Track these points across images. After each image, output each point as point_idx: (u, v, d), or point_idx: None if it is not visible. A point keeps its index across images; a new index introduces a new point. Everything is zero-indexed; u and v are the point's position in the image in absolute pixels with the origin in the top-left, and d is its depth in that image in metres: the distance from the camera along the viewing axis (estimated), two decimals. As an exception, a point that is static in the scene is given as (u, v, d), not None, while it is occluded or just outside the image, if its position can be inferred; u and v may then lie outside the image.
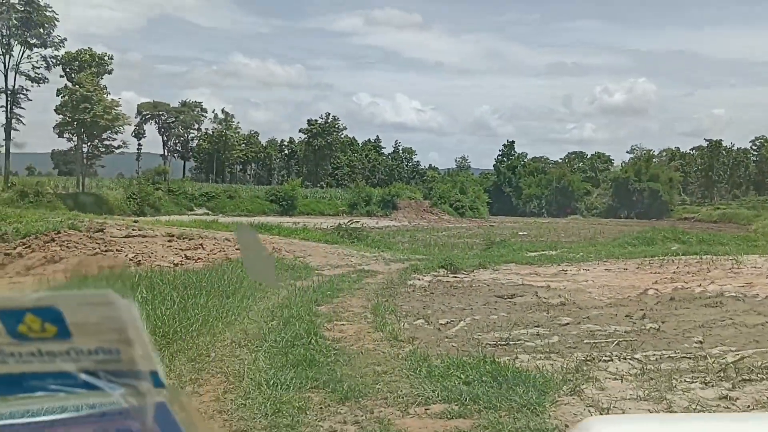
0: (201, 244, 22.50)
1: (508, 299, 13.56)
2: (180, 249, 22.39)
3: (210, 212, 61.37)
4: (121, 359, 0.68)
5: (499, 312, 11.81)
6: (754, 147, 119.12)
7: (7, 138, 61.35)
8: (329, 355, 7.88)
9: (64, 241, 22.81)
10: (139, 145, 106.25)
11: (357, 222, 28.22)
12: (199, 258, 21.24)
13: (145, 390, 0.69)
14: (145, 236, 24.96)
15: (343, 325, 10.14)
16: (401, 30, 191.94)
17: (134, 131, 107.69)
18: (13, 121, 61.04)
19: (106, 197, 56.35)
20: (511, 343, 8.99)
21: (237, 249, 22.21)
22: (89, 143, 55.19)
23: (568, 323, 10.63)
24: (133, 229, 25.97)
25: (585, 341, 9.14)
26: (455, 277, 17.55)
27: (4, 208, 32.06)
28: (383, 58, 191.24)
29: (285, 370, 7.07)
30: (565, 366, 7.37)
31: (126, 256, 21.31)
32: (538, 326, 10.32)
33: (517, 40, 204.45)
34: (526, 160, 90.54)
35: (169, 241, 23.62)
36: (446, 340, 9.33)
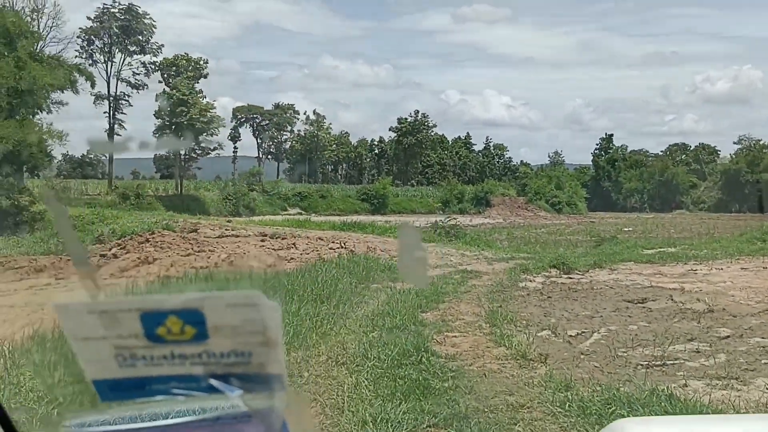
0: (293, 244, 21.53)
1: (640, 304, 11.67)
2: (273, 249, 21.51)
3: (303, 212, 61.20)
4: (251, 362, 0.66)
5: (636, 321, 9.99)
6: None
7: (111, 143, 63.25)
8: (446, 379, 6.38)
9: (157, 242, 22.37)
10: (235, 148, 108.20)
11: (454, 219, 26.64)
12: (292, 258, 20.26)
13: (273, 393, 0.67)
14: (238, 236, 24.30)
15: (455, 337, 8.61)
16: (490, 25, 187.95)
17: (230, 134, 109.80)
18: (116, 126, 62.75)
19: (203, 198, 57.02)
20: (668, 363, 7.22)
21: (330, 248, 21.11)
22: (186, 146, 55.92)
23: (728, 336, 8.71)
24: (226, 229, 25.41)
25: (764, 361, 7.25)
26: (570, 277, 15.69)
27: (104, 210, 32.42)
28: (472, 54, 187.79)
29: (394, 400, 5.61)
30: (761, 399, 5.57)
31: (219, 256, 20.58)
32: (691, 340, 8.46)
33: (612, 30, 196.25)
34: (626, 152, 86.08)
35: (261, 240, 22.82)
36: (583, 357, 7.65)
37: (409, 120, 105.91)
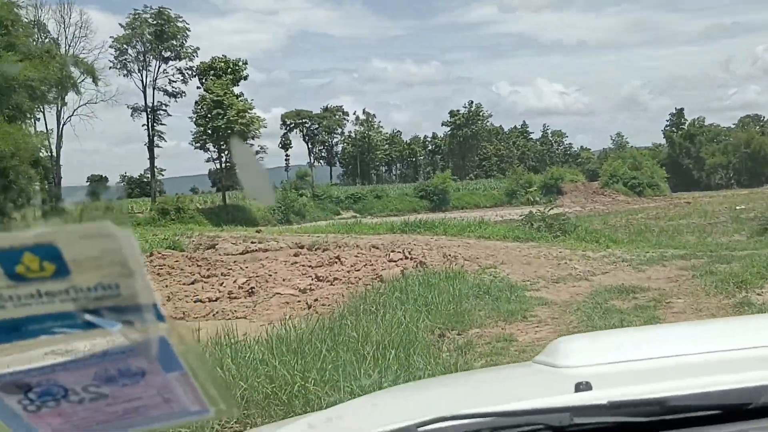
0: (338, 257, 14.63)
1: None
2: (309, 266, 14.69)
3: (357, 215, 54.60)
4: (121, 294, 0.63)
5: None
6: None
7: (151, 156, 57.91)
8: None
9: (156, 266, 15.85)
10: (287, 155, 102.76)
11: (555, 206, 19.30)
12: (335, 278, 13.43)
13: (147, 324, 0.65)
14: (266, 250, 17.71)
15: None
16: (537, 12, 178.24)
17: (281, 142, 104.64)
18: (155, 138, 57.37)
19: (249, 208, 50.98)
20: None
21: (390, 261, 14.13)
22: (226, 151, 49.84)
23: None
24: (252, 242, 18.87)
25: None
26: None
27: (138, 228, 26.12)
28: (520, 43, 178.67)
29: None
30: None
31: (235, 282, 13.91)
32: None
33: (664, 6, 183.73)
34: (703, 126, 76.44)
35: (295, 255, 16.08)
36: None
37: (462, 112, 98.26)
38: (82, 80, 47.69)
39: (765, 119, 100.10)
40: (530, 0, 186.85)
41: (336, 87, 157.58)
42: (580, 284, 10.96)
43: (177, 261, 15.81)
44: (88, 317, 0.64)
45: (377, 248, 15.18)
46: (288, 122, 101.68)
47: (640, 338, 1.91)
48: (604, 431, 1.13)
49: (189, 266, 15.70)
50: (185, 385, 0.70)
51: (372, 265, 13.85)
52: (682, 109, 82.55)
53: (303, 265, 14.81)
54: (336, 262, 14.47)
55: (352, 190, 60.33)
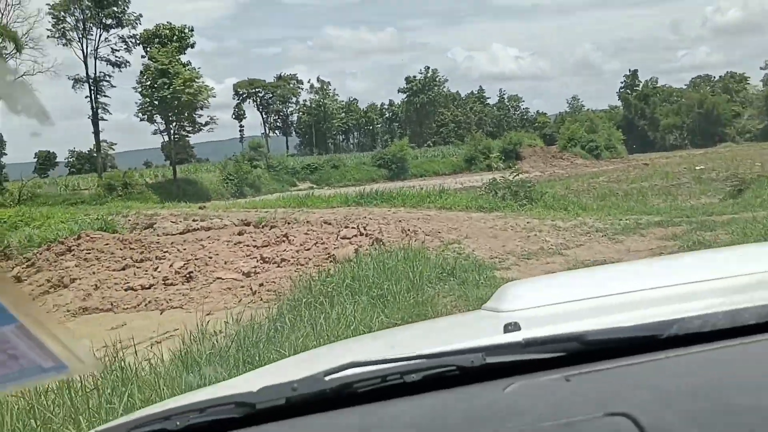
0: (286, 235, 13.16)
1: None
2: (254, 246, 13.21)
3: (315, 186, 52.92)
4: None
5: None
6: None
7: (96, 129, 54.99)
8: None
9: (84, 251, 14.19)
10: (241, 126, 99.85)
11: (520, 173, 17.98)
12: (283, 259, 12.01)
13: None
14: (209, 229, 16.15)
15: None
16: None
17: (234, 113, 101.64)
18: (99, 111, 54.42)
19: (200, 182, 48.88)
20: None
21: (344, 238, 12.74)
22: (174, 122, 47.44)
23: None
24: (194, 220, 17.26)
25: None
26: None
27: (38, 208, 23.73)
28: (476, 9, 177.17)
29: None
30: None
31: (171, 266, 12.39)
32: None
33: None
34: (656, 87, 76.26)
35: (240, 233, 14.55)
36: None
37: (418, 78, 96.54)
38: (14, 51, 44.64)
39: (715, 79, 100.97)
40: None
41: (290, 56, 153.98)
42: (554, 260, 9.77)
43: (107, 244, 14.11)
44: None
45: (330, 224, 13.73)
46: (240, 92, 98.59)
47: (584, 280, 1.95)
48: (525, 370, 1.11)
49: (121, 249, 14.02)
50: (27, 339, 0.63)
51: (323, 243, 12.44)
52: (635, 71, 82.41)
53: (247, 245, 13.30)
54: (284, 241, 12.99)
55: (309, 161, 58.47)
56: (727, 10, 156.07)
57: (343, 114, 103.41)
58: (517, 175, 17.10)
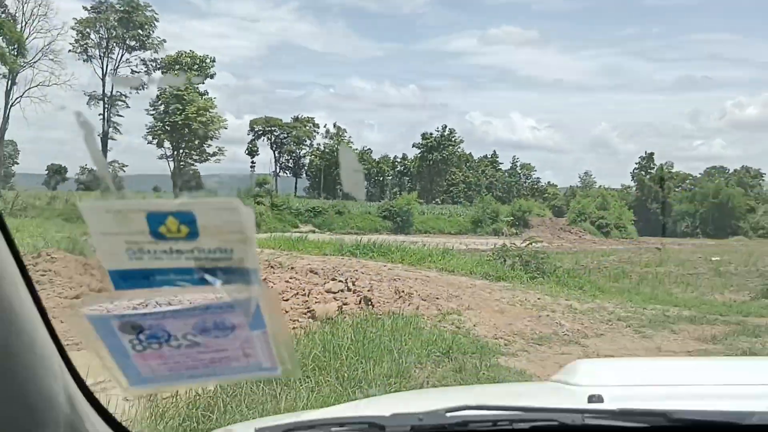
0: (264, 280, 11.63)
1: None
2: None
3: (317, 229, 51.41)
4: (232, 258, 0.73)
5: None
6: None
7: (104, 148, 54.03)
8: None
9: (38, 271, 12.60)
10: (253, 162, 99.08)
11: (535, 241, 16.31)
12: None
13: (249, 286, 0.73)
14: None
15: None
16: (517, 48, 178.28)
17: (247, 149, 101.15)
18: (110, 130, 53.56)
19: (200, 212, 47.44)
20: None
21: (327, 292, 11.09)
22: (183, 149, 46.32)
23: None
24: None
25: None
26: None
27: (44, 220, 22.42)
28: (498, 76, 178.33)
29: None
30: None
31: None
32: None
33: (639, 54, 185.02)
34: (672, 171, 75.11)
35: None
36: None
37: (434, 135, 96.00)
38: (36, 61, 44.02)
39: (730, 172, 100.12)
40: (511, 36, 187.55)
41: (312, 100, 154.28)
42: (571, 350, 8.10)
43: (66, 266, 12.53)
44: (203, 275, 0.73)
45: (316, 273, 12.12)
46: (256, 128, 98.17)
47: (653, 366, 2.09)
48: None
49: (80, 274, 12.46)
50: (263, 343, 0.78)
51: (304, 294, 10.82)
52: (652, 153, 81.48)
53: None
54: (261, 287, 11.40)
55: (314, 203, 57.08)
56: (746, 105, 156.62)
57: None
58: (530, 243, 15.48)
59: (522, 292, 11.89)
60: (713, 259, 32.63)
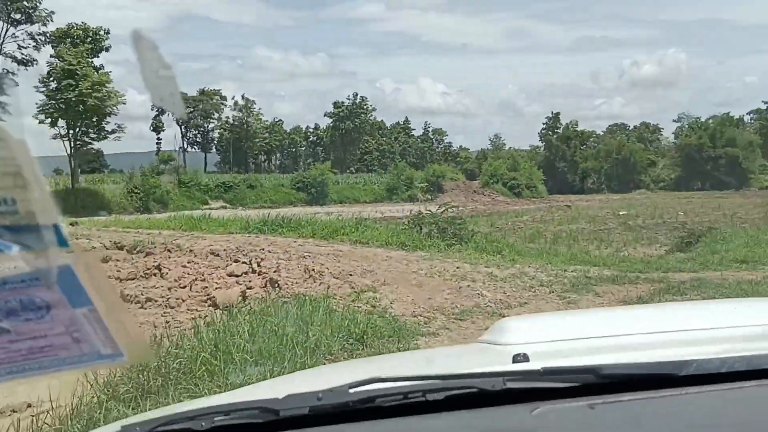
0: (159, 266, 10.36)
1: None
2: (117, 278, 10.28)
3: (228, 205, 49.57)
4: (18, 211, 0.55)
5: None
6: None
7: (-11, 129, 49.90)
8: None
9: None
10: (159, 139, 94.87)
11: (452, 207, 15.67)
12: (148, 299, 9.26)
13: (48, 249, 0.57)
14: (70, 252, 13.13)
15: None
16: (423, 13, 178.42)
17: (152, 125, 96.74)
18: (-4, 110, 49.21)
19: (101, 193, 44.64)
20: None
21: (230, 276, 10.06)
22: (78, 128, 43.15)
23: None
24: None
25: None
26: None
27: None
28: (406, 42, 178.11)
29: None
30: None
31: None
32: None
33: (541, 17, 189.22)
34: (577, 130, 76.97)
35: (104, 260, 11.54)
36: None
37: (346, 104, 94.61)
38: None
39: (630, 129, 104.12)
40: (417, 1, 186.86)
41: (218, 73, 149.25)
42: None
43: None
44: None
45: (217, 255, 11.02)
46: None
47: (581, 320, 1.93)
48: (538, 399, 1.10)
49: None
50: (95, 323, 0.62)
51: (204, 280, 9.73)
52: (558, 114, 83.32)
53: (109, 277, 10.42)
54: (155, 274, 10.18)
55: (223, 179, 54.94)
56: (643, 64, 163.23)
57: (267, 134, 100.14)
58: (446, 210, 14.85)
59: (440, 261, 11.22)
60: (621, 213, 33.42)
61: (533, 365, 1.24)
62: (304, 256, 10.89)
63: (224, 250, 11.33)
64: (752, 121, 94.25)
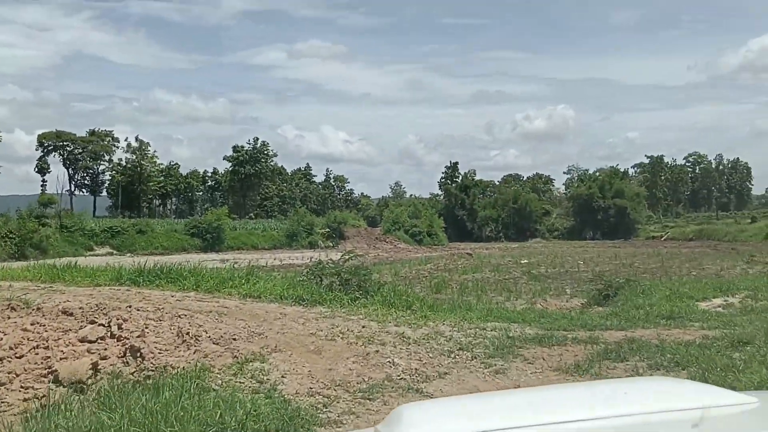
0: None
1: None
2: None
3: (115, 251, 45.83)
4: None
5: None
6: (688, 164, 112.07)
7: None
8: None
9: None
10: (44, 181, 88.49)
11: (354, 255, 14.07)
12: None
13: None
14: None
15: None
16: (325, 62, 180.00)
17: (36, 166, 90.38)
18: None
19: (-32, 238, 40.03)
20: None
21: (84, 340, 8.03)
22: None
23: None
24: None
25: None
26: None
27: None
28: (308, 90, 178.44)
29: None
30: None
31: None
32: None
33: (438, 70, 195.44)
34: (475, 179, 78.17)
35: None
36: None
37: (246, 148, 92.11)
38: None
39: (524, 179, 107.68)
40: (319, 50, 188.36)
41: (113, 114, 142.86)
42: (410, 401, 5.93)
43: None
44: None
45: (71, 314, 8.92)
46: (46, 144, 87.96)
47: (492, 404, 1.75)
48: None
49: None
50: None
51: (48, 347, 7.65)
52: (456, 163, 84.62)
53: None
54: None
55: (111, 223, 51.12)
56: (534, 118, 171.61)
57: (162, 177, 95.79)
58: (350, 258, 13.32)
59: (343, 319, 9.61)
60: (522, 261, 33.11)
61: None
62: (180, 315, 8.98)
63: (80, 308, 9.23)
64: (636, 174, 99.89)
